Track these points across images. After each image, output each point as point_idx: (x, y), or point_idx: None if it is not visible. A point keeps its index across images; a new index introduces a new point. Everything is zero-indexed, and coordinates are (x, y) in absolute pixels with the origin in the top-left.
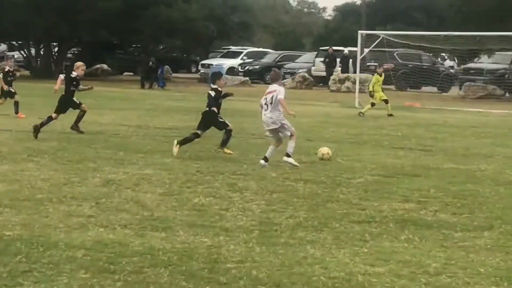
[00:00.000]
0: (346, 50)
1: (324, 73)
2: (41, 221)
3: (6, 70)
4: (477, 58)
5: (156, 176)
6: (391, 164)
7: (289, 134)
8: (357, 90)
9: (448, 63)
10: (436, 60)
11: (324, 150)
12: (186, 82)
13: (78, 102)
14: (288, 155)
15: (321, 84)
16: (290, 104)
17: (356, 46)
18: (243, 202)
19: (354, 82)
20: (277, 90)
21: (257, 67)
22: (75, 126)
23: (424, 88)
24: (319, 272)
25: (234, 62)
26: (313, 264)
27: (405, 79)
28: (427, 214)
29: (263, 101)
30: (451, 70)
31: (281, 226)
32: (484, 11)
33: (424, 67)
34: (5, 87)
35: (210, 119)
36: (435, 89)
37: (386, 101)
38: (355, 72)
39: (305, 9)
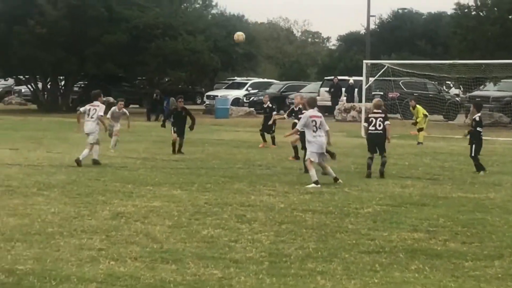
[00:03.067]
0: (351, 79)
1: (329, 103)
2: (52, 254)
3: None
4: (482, 86)
5: (164, 208)
6: (399, 194)
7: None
8: (363, 120)
9: (454, 91)
10: (442, 88)
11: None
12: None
13: None
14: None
15: (326, 113)
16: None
17: (361, 75)
18: (252, 233)
19: (360, 112)
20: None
21: (262, 97)
22: None
23: (430, 117)
24: None
25: (239, 93)
26: None
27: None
28: (436, 244)
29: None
30: (457, 98)
31: (291, 257)
32: (488, 39)
33: (430, 95)
34: None
35: None
36: (441, 117)
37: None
38: (360, 101)
39: (309, 39)
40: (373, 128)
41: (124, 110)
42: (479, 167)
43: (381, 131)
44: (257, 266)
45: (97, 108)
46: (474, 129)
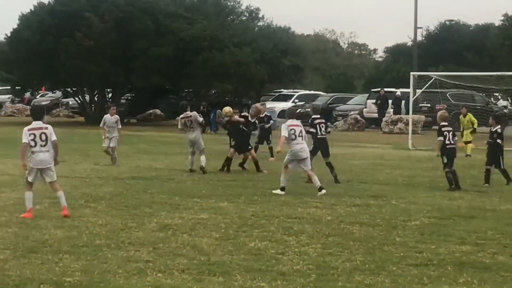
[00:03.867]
0: (398, 91)
1: (376, 115)
2: (100, 267)
3: None
4: None
5: (211, 221)
6: (446, 206)
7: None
8: (410, 132)
9: (502, 103)
10: (490, 100)
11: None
12: None
13: None
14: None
15: (373, 126)
16: (342, 146)
17: (407, 87)
18: (299, 245)
19: (407, 124)
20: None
21: (309, 109)
22: None
23: (478, 129)
24: None
25: (286, 105)
26: None
27: (458, 120)
28: (485, 257)
29: (292, 132)
30: (505, 110)
31: (338, 269)
32: None
33: (478, 107)
34: None
35: None
36: (489, 129)
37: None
38: (407, 113)
39: (356, 51)
40: (449, 142)
41: (117, 116)
42: (487, 179)
43: (455, 145)
44: (304, 278)
45: (191, 118)
46: (494, 141)
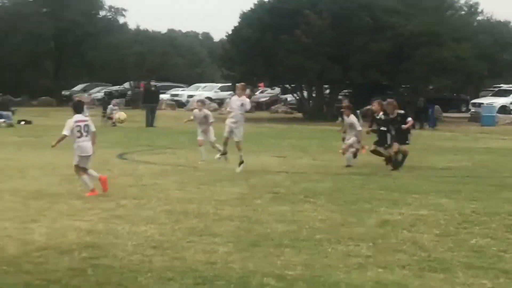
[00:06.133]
0: None
1: None
2: (320, 261)
3: None
4: None
5: (431, 217)
6: None
7: None
8: None
9: None
10: None
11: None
12: (456, 122)
13: None
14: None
15: None
16: None
17: None
18: None
19: None
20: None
21: None
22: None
23: None
24: None
25: (506, 100)
26: None
27: None
28: None
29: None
30: None
31: None
32: None
33: None
34: None
35: None
36: None
37: None
38: None
39: None
40: None
41: (205, 111)
42: None
43: None
44: None
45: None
46: None
